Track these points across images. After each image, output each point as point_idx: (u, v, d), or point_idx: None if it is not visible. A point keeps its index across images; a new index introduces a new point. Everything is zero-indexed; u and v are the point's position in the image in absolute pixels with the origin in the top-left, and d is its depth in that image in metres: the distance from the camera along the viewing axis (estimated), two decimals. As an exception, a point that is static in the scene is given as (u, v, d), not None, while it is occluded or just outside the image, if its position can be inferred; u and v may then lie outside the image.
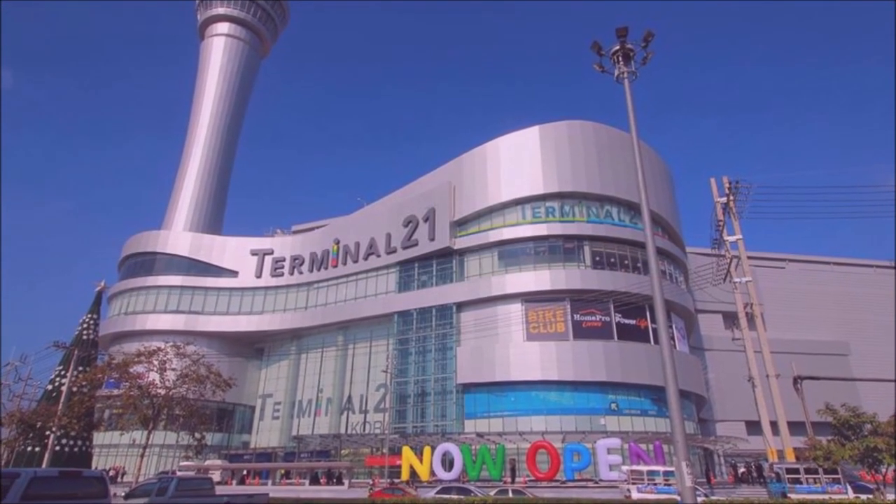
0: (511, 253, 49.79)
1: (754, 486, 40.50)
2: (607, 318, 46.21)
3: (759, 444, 43.47)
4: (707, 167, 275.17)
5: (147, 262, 67.53)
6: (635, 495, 26.40)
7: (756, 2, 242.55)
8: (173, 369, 34.13)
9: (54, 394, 29.98)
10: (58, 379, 30.47)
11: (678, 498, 12.79)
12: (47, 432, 28.22)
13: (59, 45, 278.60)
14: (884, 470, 23.33)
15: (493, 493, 24.17)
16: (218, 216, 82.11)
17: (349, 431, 53.09)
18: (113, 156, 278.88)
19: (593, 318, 46.20)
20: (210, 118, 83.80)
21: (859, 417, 23.78)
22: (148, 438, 32.82)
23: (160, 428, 36.12)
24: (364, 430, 52.92)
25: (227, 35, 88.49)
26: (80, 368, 30.60)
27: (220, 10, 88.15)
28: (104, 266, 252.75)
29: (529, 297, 47.37)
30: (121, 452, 54.64)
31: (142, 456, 32.89)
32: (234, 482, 48.13)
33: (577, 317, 46.06)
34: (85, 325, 31.80)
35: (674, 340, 48.04)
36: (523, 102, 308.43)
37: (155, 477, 27.45)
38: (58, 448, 27.74)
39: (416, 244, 54.51)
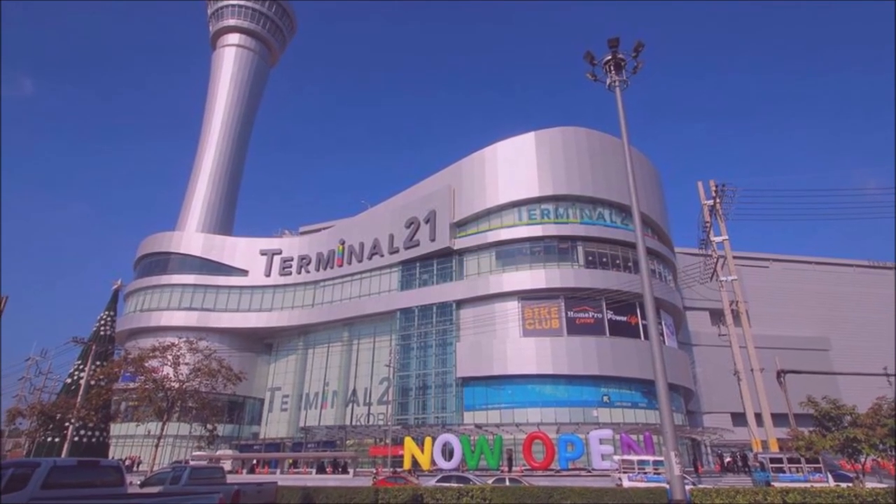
0: (508, 253, 49.75)
1: (739, 474, 40.41)
2: (599, 315, 46.18)
3: (744, 435, 43.44)
4: (695, 171, 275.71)
5: (161, 262, 67.52)
6: (626, 483, 26.36)
7: (743, 10, 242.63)
8: (186, 364, 34.14)
9: (73, 387, 29.97)
10: (76, 373, 30.46)
11: (667, 486, 12.78)
12: (66, 423, 28.21)
13: (78, 56, 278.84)
14: (863, 459, 23.26)
15: (490, 481, 24.14)
16: (229, 218, 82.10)
17: (354, 423, 53.06)
18: (128, 160, 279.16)
19: (586, 315, 46.18)
20: (221, 124, 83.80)
21: (839, 409, 23.71)
22: (162, 429, 32.80)
23: (174, 419, 36.26)
24: (368, 421, 52.89)
25: (238, 45, 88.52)
26: (98, 363, 30.58)
27: (231, 22, 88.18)
28: (120, 265, 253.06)
29: (526, 295, 47.35)
30: (136, 443, 54.61)
31: (156, 446, 32.90)
32: (245, 471, 48.07)
33: (570, 314, 46.03)
34: (102, 322, 31.78)
35: (663, 336, 48.01)
36: (520, 109, 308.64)
37: (169, 466, 27.38)
38: (76, 439, 27.71)
39: (417, 244, 54.47)
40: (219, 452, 50.67)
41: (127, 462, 47.52)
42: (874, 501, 12.15)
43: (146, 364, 32.96)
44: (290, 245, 67.69)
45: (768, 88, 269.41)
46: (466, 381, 47.15)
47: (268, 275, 65.47)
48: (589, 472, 35.89)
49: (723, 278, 32.57)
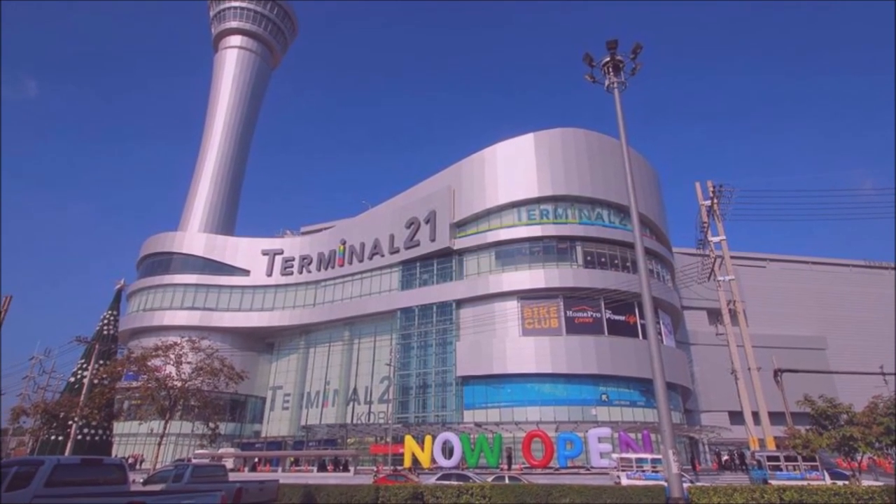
0: (507, 253, 49.75)
1: (737, 472, 40.38)
2: (598, 315, 46.16)
3: (741, 434, 43.42)
4: (693, 172, 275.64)
5: (164, 262, 67.52)
6: (624, 481, 26.34)
7: (740, 11, 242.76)
8: (189, 363, 34.03)
9: (76, 386, 29.93)
10: (80, 372, 30.41)
11: (665, 484, 12.78)
12: (70, 422, 28.18)
13: (81, 58, 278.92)
14: (859, 457, 23.28)
15: (490, 479, 24.14)
16: (231, 218, 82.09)
17: (355, 421, 53.07)
18: (131, 161, 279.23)
19: (585, 314, 46.16)
20: (223, 125, 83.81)
21: (836, 408, 23.69)
22: (165, 428, 32.74)
23: (176, 418, 36.03)
24: (369, 420, 52.89)
25: (240, 47, 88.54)
26: (101, 362, 30.55)
27: (234, 24, 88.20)
28: (123, 265, 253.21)
29: (525, 295, 47.33)
30: (139, 441, 54.62)
31: (159, 444, 32.83)
32: (247, 469, 48.12)
33: (569, 313, 46.02)
34: (105, 321, 31.74)
35: (661, 335, 47.98)
36: (519, 110, 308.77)
37: (171, 464, 27.37)
38: (80, 437, 27.68)
39: (417, 244, 54.47)
40: (221, 451, 50.68)
41: (130, 460, 47.49)
42: (870, 499, 12.15)
43: (149, 363, 32.86)
44: (292, 245, 67.69)
45: (766, 90, 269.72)
46: (466, 380, 47.15)
47: (269, 274, 65.47)
48: (588, 470, 35.86)
49: (720, 278, 32.59)
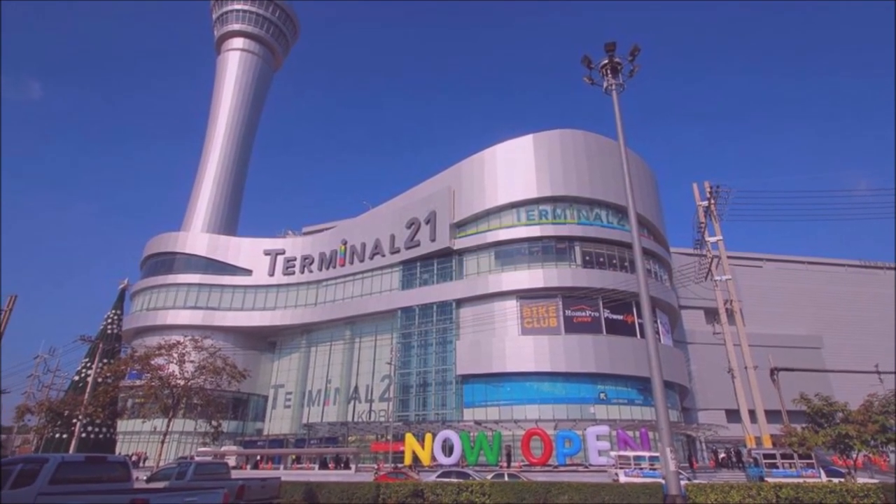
0: (507, 253, 49.75)
1: (734, 470, 40.43)
2: (596, 314, 46.17)
3: (738, 432, 43.44)
4: (690, 172, 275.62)
5: (167, 262, 67.53)
6: (623, 479, 26.33)
7: (738, 13, 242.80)
8: (192, 361, 33.97)
9: (81, 384, 29.92)
10: (84, 370, 30.40)
11: (663, 481, 12.78)
12: (74, 420, 28.16)
13: (85, 59, 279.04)
14: (854, 455, 23.24)
15: (490, 476, 24.13)
16: (233, 218, 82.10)
17: (356, 419, 53.07)
18: (134, 162, 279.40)
19: (583, 313, 46.17)
20: (226, 127, 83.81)
21: (831, 406, 23.63)
22: (168, 426, 32.72)
23: (179, 416, 36.04)
24: (370, 418, 52.90)
25: (242, 50, 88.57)
26: (105, 360, 30.53)
27: (236, 27, 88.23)
28: (126, 265, 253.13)
29: (524, 295, 47.33)
30: (143, 439, 54.66)
31: (162, 442, 32.79)
32: (249, 467, 48.16)
33: (568, 312, 46.02)
34: (109, 321, 31.72)
35: (659, 335, 47.95)
36: (518, 112, 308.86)
37: (174, 462, 27.33)
38: (84, 435, 27.66)
39: (418, 245, 54.47)
40: (223, 448, 50.69)
41: (133, 458, 47.52)
42: (865, 496, 12.17)
43: (152, 362, 32.78)
44: (294, 245, 67.69)
45: (763, 90, 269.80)
46: (466, 379, 47.14)
47: (271, 274, 65.49)
48: (586, 467, 35.89)
49: (717, 278, 32.57)
